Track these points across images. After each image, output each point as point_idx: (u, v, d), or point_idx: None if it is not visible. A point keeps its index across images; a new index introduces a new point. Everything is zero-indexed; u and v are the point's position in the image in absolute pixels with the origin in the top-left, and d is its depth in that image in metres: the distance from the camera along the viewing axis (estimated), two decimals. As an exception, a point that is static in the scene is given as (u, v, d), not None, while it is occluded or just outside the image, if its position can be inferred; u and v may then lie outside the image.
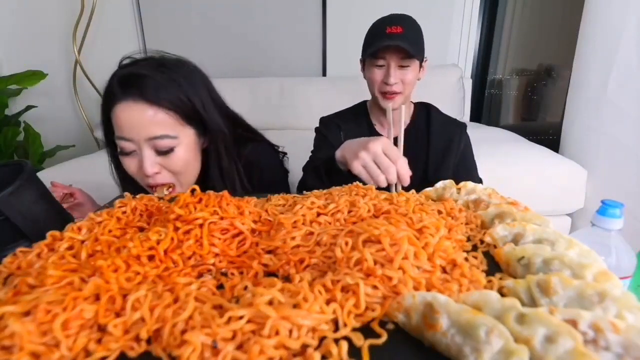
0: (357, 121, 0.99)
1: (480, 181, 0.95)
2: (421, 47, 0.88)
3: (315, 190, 0.64)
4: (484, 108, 2.26)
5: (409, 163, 0.88)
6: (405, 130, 0.97)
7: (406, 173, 0.59)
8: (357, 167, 0.60)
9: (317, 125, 1.05)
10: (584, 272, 0.35)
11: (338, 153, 0.67)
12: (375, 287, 0.35)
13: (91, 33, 1.97)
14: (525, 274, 0.38)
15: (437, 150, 0.94)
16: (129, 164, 0.67)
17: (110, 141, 0.71)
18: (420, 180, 0.94)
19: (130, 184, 0.75)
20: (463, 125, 0.98)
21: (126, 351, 0.31)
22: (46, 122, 2.11)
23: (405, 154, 0.95)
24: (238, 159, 0.77)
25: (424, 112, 0.99)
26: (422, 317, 0.31)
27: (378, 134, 0.97)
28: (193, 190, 0.50)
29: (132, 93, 0.62)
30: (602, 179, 1.29)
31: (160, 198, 0.56)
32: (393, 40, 0.83)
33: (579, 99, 1.37)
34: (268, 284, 0.35)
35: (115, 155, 0.73)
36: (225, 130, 0.71)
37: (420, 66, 0.90)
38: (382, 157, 0.59)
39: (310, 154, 1.01)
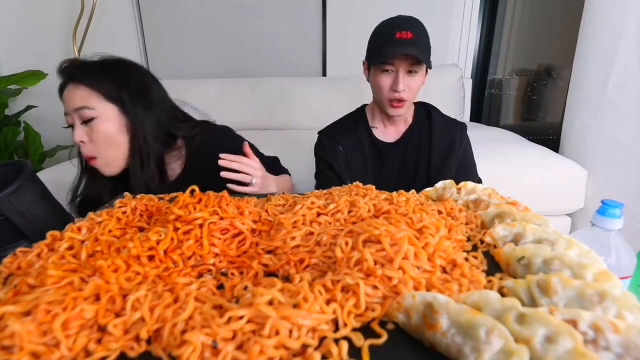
0: (355, 130, 0.97)
1: (479, 181, 0.95)
2: (429, 53, 0.86)
3: (315, 190, 0.64)
4: (484, 108, 2.26)
5: (410, 164, 0.89)
6: (407, 130, 0.97)
7: None
8: None
9: (318, 128, 1.03)
10: (584, 272, 0.35)
11: None
12: (375, 287, 0.35)
13: (91, 33, 1.97)
14: (525, 274, 0.38)
15: (439, 151, 0.94)
16: (72, 136, 0.79)
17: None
18: (423, 181, 0.94)
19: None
20: (463, 126, 0.98)
21: (126, 351, 0.31)
22: (46, 122, 2.10)
23: (405, 155, 0.96)
24: (185, 150, 0.86)
25: (425, 113, 0.98)
26: (422, 317, 0.31)
27: (377, 140, 0.97)
28: (192, 191, 0.51)
29: (68, 78, 0.78)
30: (602, 179, 1.29)
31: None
32: (404, 47, 0.81)
33: (579, 99, 1.37)
34: (268, 284, 0.35)
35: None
36: (147, 117, 0.80)
37: (426, 72, 0.89)
38: None
39: (315, 180, 1.01)
